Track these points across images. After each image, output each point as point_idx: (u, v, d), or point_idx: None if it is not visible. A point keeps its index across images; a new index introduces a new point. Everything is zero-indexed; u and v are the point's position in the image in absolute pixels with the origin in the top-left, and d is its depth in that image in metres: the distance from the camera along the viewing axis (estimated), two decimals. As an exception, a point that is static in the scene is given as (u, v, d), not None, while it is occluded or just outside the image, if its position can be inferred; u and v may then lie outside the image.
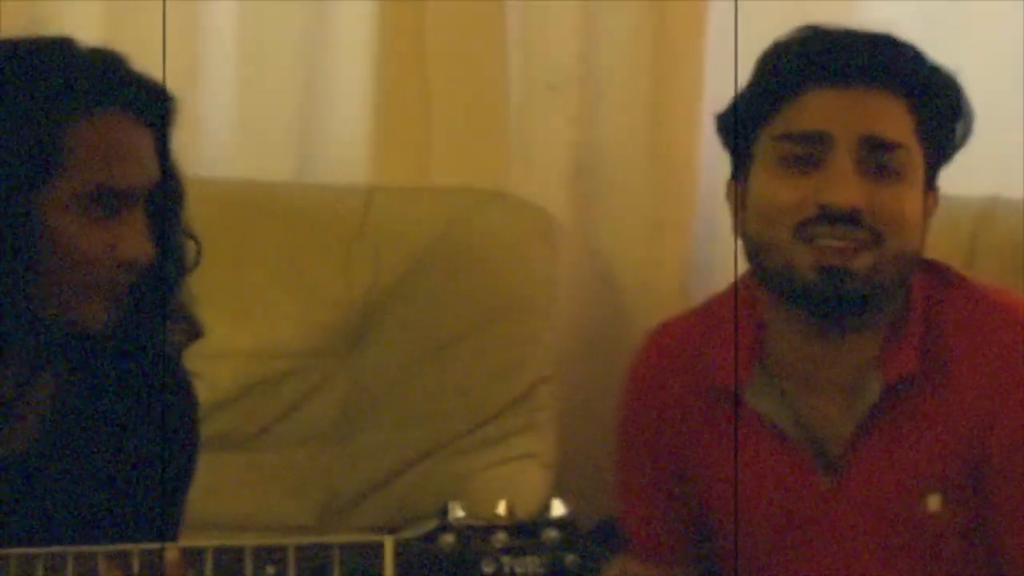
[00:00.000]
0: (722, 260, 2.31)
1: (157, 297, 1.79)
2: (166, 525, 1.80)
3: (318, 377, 2.29)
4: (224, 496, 2.17)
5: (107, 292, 1.71)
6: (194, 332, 1.81)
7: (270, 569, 1.61)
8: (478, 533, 1.57)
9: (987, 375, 1.81)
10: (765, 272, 1.78)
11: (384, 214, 2.32)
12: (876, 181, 1.75)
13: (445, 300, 2.29)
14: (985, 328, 1.83)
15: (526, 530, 1.57)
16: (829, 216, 1.73)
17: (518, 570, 1.57)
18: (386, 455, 2.29)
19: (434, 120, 2.45)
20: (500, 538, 1.57)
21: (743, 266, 1.92)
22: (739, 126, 1.82)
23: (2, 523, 1.72)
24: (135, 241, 1.69)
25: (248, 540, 1.62)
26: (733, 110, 1.82)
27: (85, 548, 1.65)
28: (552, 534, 1.57)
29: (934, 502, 1.83)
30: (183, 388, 1.85)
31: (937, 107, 1.81)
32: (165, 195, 1.75)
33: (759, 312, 1.83)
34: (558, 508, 1.57)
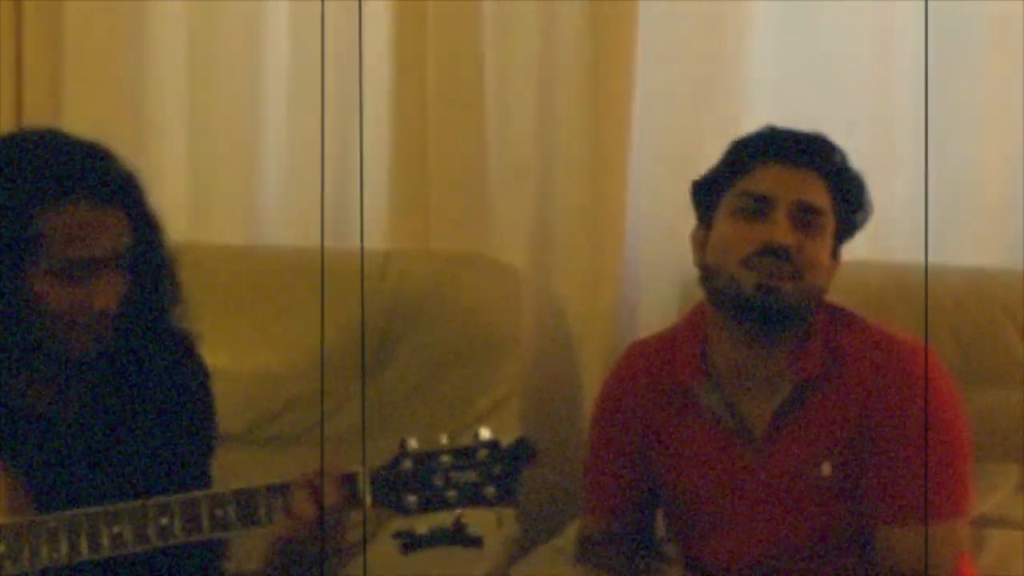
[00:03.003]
0: (650, 301, 2.47)
1: (144, 324, 1.75)
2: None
3: (345, 393, 2.32)
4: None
5: (90, 332, 1.69)
6: (187, 343, 1.80)
7: (277, 499, 1.62)
8: (429, 456, 1.63)
9: (866, 380, 1.88)
10: (716, 292, 1.90)
11: (396, 271, 2.37)
12: (803, 233, 1.88)
13: (439, 336, 2.34)
14: (865, 348, 1.90)
15: (463, 451, 1.63)
16: (769, 250, 1.86)
17: (460, 480, 1.62)
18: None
19: (432, 197, 2.51)
20: (445, 460, 1.63)
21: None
22: (709, 188, 1.94)
23: (59, 490, 1.71)
24: (105, 296, 1.68)
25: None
26: (706, 179, 1.95)
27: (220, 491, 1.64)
28: (483, 452, 1.63)
29: (826, 468, 1.89)
30: (195, 383, 1.82)
31: (847, 195, 1.92)
32: (144, 253, 1.72)
33: (705, 330, 1.94)
34: (485, 433, 1.64)
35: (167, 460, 1.76)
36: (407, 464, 1.62)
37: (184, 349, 1.81)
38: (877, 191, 1.96)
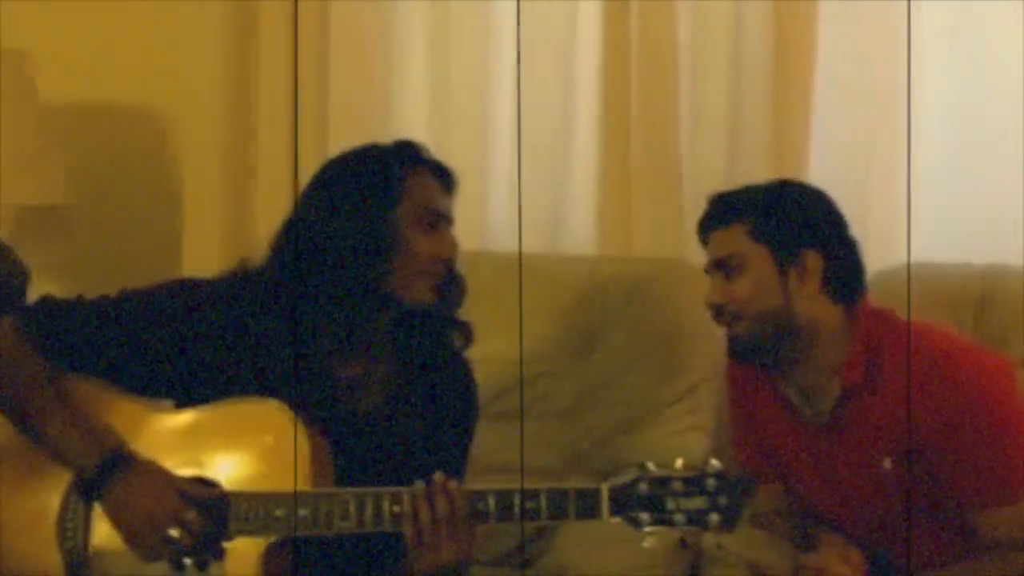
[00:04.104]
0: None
1: (443, 314, 1.93)
2: (457, 470, 1.92)
3: (563, 375, 2.52)
4: (504, 451, 2.26)
5: (433, 279, 1.89)
6: (468, 336, 1.98)
7: (530, 504, 1.75)
8: (664, 481, 1.73)
9: (907, 387, 1.93)
10: None
11: (602, 275, 2.55)
12: (728, 281, 2.02)
13: (640, 330, 2.50)
14: (904, 355, 1.95)
15: (694, 479, 1.73)
16: (715, 311, 2.05)
17: (689, 507, 1.71)
18: (605, 426, 2.49)
19: (634, 209, 2.66)
20: (677, 485, 1.73)
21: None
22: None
23: (356, 465, 1.87)
24: (449, 246, 1.91)
25: (515, 486, 1.76)
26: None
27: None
28: (711, 482, 1.72)
29: (887, 463, 1.99)
30: (466, 374, 2.02)
31: (778, 223, 2.00)
32: None
33: None
34: (715, 464, 1.73)
35: (443, 441, 1.93)
36: (643, 486, 1.74)
37: (468, 341, 1.99)
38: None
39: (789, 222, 2.02)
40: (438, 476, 1.78)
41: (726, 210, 2.04)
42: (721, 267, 2.03)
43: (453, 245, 1.91)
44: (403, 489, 1.79)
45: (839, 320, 2.01)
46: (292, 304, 1.88)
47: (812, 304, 2.00)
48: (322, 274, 1.87)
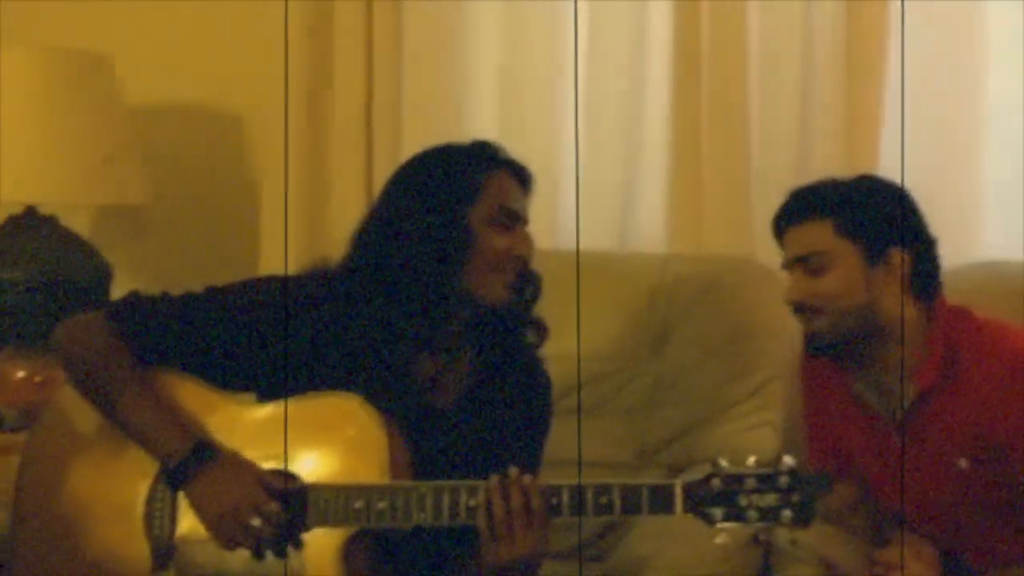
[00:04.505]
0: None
1: (519, 311, 1.96)
2: (532, 465, 1.93)
3: (633, 372, 2.53)
4: (575, 446, 2.16)
5: (508, 278, 1.92)
6: (543, 334, 2.01)
7: (603, 499, 1.77)
8: (736, 478, 1.74)
9: (988, 386, 1.95)
10: None
11: (675, 270, 2.55)
12: (812, 277, 2.00)
13: (710, 327, 2.51)
14: (986, 352, 1.97)
15: (767, 476, 1.73)
16: (795, 308, 2.04)
17: (761, 504, 1.71)
18: (676, 422, 2.50)
19: (705, 208, 2.66)
20: (750, 482, 1.74)
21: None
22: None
23: (432, 460, 1.89)
24: (524, 246, 1.94)
25: (588, 480, 1.78)
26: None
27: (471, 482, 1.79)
28: (784, 479, 1.72)
29: (964, 463, 1.99)
30: (541, 371, 2.04)
31: (863, 218, 1.99)
32: None
33: None
34: (788, 461, 1.74)
35: (518, 437, 1.96)
36: (716, 482, 1.75)
37: (542, 338, 2.01)
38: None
39: (876, 218, 2.01)
40: (512, 470, 1.80)
41: (809, 205, 2.02)
42: (804, 263, 2.00)
43: (528, 244, 1.95)
44: (479, 483, 1.81)
45: (919, 319, 2.00)
46: (370, 301, 1.91)
47: (896, 302, 1.99)
48: (399, 272, 1.90)
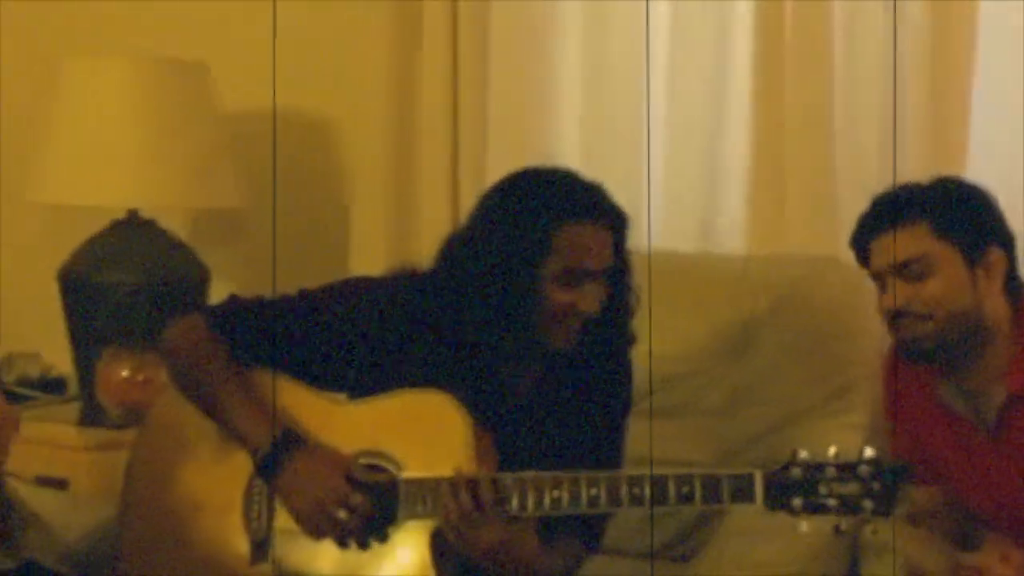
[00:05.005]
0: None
1: (612, 327, 2.00)
2: (615, 461, 2.00)
3: (715, 373, 2.53)
4: (661, 445, 2.18)
5: (571, 328, 1.95)
6: (632, 339, 2.05)
7: (684, 488, 1.80)
8: (816, 467, 1.75)
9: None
10: None
11: (757, 271, 2.56)
12: (914, 283, 1.97)
13: (795, 328, 2.49)
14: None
15: (847, 465, 1.74)
16: (893, 316, 2.00)
17: (842, 492, 1.72)
18: (758, 424, 2.49)
19: (787, 207, 2.67)
20: (830, 471, 1.74)
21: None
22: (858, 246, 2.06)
23: (514, 455, 1.94)
24: (590, 302, 1.94)
25: (669, 471, 1.83)
26: (854, 238, 2.06)
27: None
28: (865, 469, 1.73)
29: None
30: (627, 374, 2.07)
31: (959, 223, 1.97)
32: (617, 270, 1.99)
33: None
34: (869, 451, 1.74)
35: (599, 440, 2.00)
36: (796, 472, 1.75)
37: (627, 352, 2.05)
38: None
39: (971, 218, 1.99)
40: (456, 471, 1.83)
41: (902, 209, 1.98)
42: (903, 269, 1.97)
43: (593, 300, 1.93)
44: (562, 475, 1.84)
45: (1011, 320, 1.99)
46: (456, 309, 1.95)
47: (996, 303, 1.98)
48: (480, 287, 1.93)
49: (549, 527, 1.92)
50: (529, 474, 1.87)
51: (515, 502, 1.84)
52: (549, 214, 1.92)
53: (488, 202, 2.01)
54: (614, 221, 1.98)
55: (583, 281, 1.93)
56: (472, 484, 1.83)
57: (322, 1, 3.00)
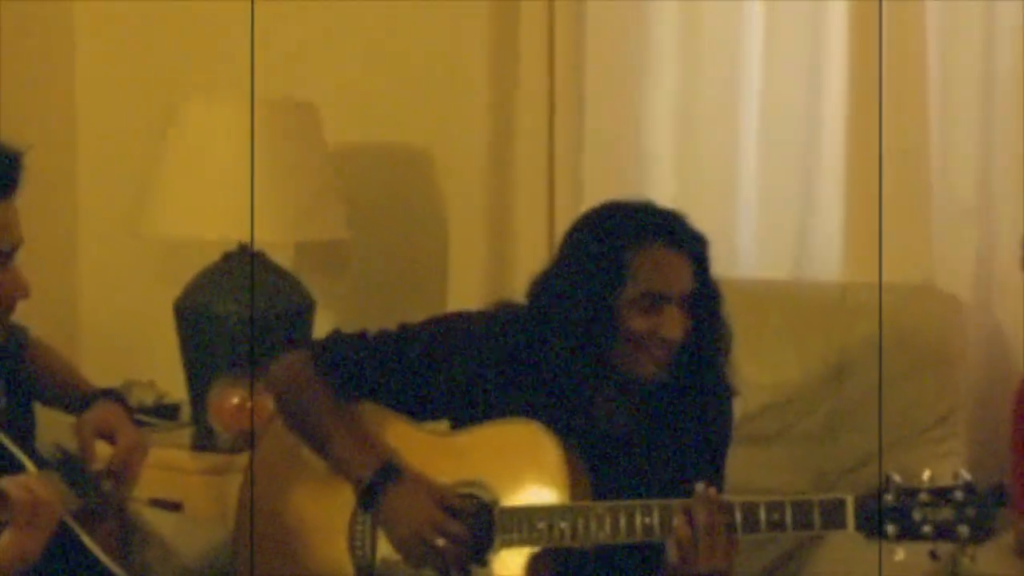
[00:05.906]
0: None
1: (704, 356, 1.98)
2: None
3: (812, 400, 2.54)
4: (756, 473, 2.39)
5: (656, 356, 1.95)
6: (731, 389, 2.03)
7: (775, 514, 1.79)
8: (910, 492, 1.74)
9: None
10: None
11: (853, 299, 2.56)
12: None
13: (893, 353, 2.47)
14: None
15: (941, 491, 1.73)
16: None
17: (936, 518, 1.71)
18: (855, 452, 2.49)
19: (884, 235, 2.62)
20: (924, 497, 1.73)
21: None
22: None
23: (609, 484, 1.97)
24: (670, 327, 1.93)
25: (761, 499, 1.83)
26: None
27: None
28: (959, 494, 1.71)
29: None
30: (727, 407, 2.07)
31: None
32: (701, 296, 1.98)
33: None
34: (963, 475, 1.72)
35: (699, 474, 1.97)
36: (890, 497, 1.74)
37: (726, 398, 2.03)
38: None
39: None
40: (699, 487, 1.84)
41: None
42: None
43: (676, 325, 1.92)
44: (653, 502, 1.88)
45: None
46: (544, 339, 1.98)
47: None
48: (562, 318, 1.96)
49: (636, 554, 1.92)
50: (624, 503, 1.89)
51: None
52: (623, 240, 1.95)
53: (569, 235, 2.05)
54: (691, 245, 1.98)
55: (662, 306, 1.93)
56: (721, 506, 1.82)
57: (421, 38, 3.08)
